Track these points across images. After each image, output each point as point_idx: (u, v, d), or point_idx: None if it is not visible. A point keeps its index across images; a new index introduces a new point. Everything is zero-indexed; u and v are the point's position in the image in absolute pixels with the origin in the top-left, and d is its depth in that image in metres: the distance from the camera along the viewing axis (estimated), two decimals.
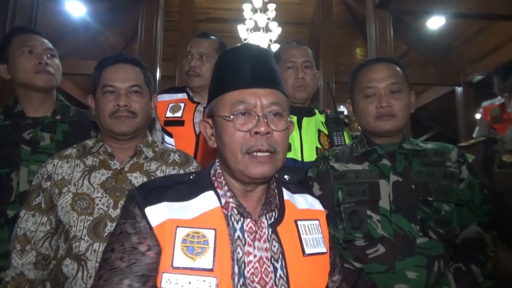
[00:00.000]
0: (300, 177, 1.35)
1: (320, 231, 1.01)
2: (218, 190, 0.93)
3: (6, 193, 1.45)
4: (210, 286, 0.79)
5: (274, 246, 0.91)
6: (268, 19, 7.54)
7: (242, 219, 0.91)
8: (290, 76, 1.78)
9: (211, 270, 0.81)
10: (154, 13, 5.75)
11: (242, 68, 0.91)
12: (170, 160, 1.44)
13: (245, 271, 0.86)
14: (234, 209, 0.90)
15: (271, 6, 7.37)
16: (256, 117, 0.88)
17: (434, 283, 1.21)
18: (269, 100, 0.89)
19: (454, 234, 1.28)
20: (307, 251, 0.94)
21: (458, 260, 1.24)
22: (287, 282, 0.88)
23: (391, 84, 1.38)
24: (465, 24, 7.19)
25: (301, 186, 1.10)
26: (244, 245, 0.88)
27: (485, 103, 2.69)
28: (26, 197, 1.35)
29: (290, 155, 1.66)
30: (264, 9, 7.46)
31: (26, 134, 1.58)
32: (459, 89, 8.19)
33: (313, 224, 1.00)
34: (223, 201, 0.91)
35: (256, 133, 0.87)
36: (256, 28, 7.63)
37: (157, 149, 1.46)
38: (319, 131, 1.79)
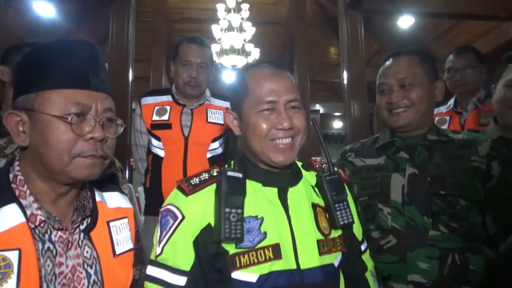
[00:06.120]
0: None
1: (129, 228, 1.01)
2: (21, 200, 0.81)
3: None
4: None
5: (87, 251, 0.89)
6: (242, 19, 7.55)
7: (50, 230, 0.83)
8: (266, 120, 1.03)
9: None
10: (126, 14, 5.65)
11: (78, 66, 0.84)
12: None
13: (56, 284, 0.82)
14: (43, 223, 0.82)
15: (245, 6, 7.37)
16: (93, 122, 0.83)
17: (449, 275, 1.21)
18: (105, 106, 0.86)
19: (473, 229, 1.26)
20: (118, 250, 0.95)
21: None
22: (101, 285, 0.88)
23: (402, 79, 1.34)
24: (434, 23, 7.43)
25: (112, 185, 1.07)
26: (55, 257, 0.83)
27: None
28: None
29: (279, 266, 0.96)
30: (238, 9, 7.46)
31: None
32: None
33: (123, 223, 1.00)
34: (28, 212, 0.80)
35: (91, 138, 0.83)
36: (230, 28, 7.62)
37: None
38: (314, 207, 1.07)
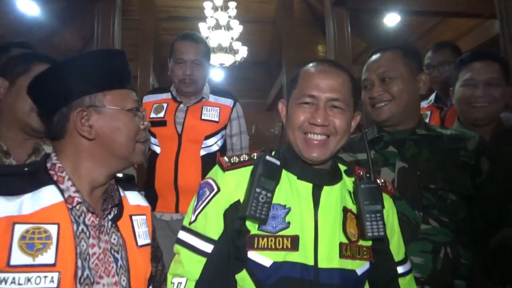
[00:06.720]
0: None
1: (147, 225, 1.11)
2: (59, 184, 0.90)
3: None
4: (52, 281, 0.79)
5: (114, 238, 0.98)
6: (229, 17, 7.54)
7: (84, 213, 0.92)
8: (303, 112, 1.04)
9: (53, 265, 0.80)
10: (111, 13, 5.61)
11: (128, 69, 1.05)
12: None
13: (90, 263, 0.89)
14: (79, 204, 0.91)
15: (232, 4, 7.36)
16: (142, 114, 1.04)
17: (442, 269, 1.22)
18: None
19: (463, 223, 1.26)
20: (140, 242, 1.04)
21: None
22: (127, 270, 0.97)
23: (382, 73, 1.36)
24: (419, 21, 7.50)
25: (129, 185, 1.16)
26: (88, 238, 0.91)
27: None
28: None
29: (294, 257, 0.97)
30: (225, 7, 7.45)
31: None
32: None
33: (142, 219, 1.10)
34: (66, 195, 0.89)
35: (145, 127, 1.04)
36: (217, 26, 7.61)
37: None
38: (346, 211, 1.05)
